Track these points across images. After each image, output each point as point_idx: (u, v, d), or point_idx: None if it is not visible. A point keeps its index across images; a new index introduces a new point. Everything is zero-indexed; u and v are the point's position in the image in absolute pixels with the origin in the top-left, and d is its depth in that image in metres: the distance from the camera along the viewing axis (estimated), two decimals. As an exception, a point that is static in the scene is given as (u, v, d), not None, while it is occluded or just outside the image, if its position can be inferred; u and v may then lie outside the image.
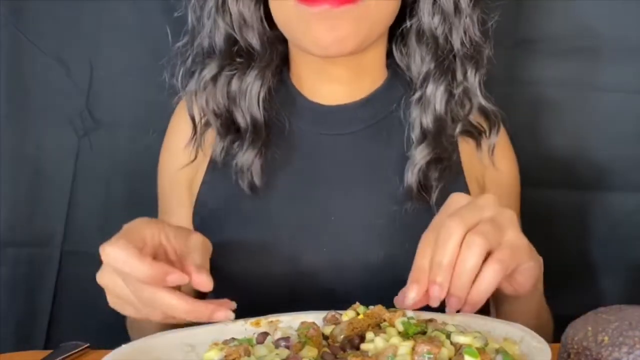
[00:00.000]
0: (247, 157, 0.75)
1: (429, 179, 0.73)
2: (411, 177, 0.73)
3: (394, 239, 0.73)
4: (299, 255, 0.73)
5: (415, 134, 0.75)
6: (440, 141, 0.74)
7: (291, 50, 0.78)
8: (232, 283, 0.73)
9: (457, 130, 0.76)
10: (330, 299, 0.61)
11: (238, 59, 0.76)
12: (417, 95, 0.75)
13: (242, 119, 0.76)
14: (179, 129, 0.82)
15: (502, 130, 0.80)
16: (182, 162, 0.80)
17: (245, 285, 0.73)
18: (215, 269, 0.74)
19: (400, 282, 0.71)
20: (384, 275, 0.72)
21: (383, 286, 0.71)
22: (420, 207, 0.73)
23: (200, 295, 0.70)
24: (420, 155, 0.73)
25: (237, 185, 0.75)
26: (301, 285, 0.73)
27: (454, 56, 0.75)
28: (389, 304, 0.58)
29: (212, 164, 0.78)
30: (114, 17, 0.95)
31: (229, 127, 0.76)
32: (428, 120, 0.74)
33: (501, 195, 0.76)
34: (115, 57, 0.96)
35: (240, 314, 0.59)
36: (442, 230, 0.55)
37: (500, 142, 0.80)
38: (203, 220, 0.78)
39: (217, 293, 0.75)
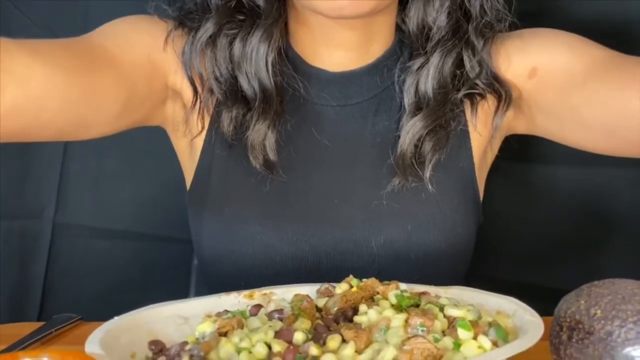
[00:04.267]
0: (258, 131, 0.69)
1: (422, 152, 0.69)
2: (403, 149, 0.69)
3: (394, 220, 0.71)
4: (304, 239, 0.71)
5: (409, 103, 0.70)
6: (442, 111, 0.69)
7: (293, 10, 0.72)
8: (233, 263, 0.72)
9: (461, 94, 0.70)
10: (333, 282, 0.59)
11: (239, 17, 0.69)
12: (421, 61, 0.70)
13: (248, 86, 0.69)
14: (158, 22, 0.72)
15: (506, 35, 0.72)
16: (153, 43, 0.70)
17: (247, 266, 0.71)
18: (217, 248, 0.73)
19: (399, 262, 0.70)
20: (385, 257, 0.71)
21: (385, 268, 0.70)
22: (416, 184, 0.70)
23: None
24: (417, 126, 0.69)
25: (244, 160, 0.70)
26: (304, 269, 0.71)
27: (470, 23, 0.69)
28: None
29: (213, 131, 0.72)
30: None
31: (235, 95, 0.70)
32: (428, 88, 0.69)
33: (571, 73, 0.67)
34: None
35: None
36: None
37: (512, 46, 0.72)
38: (203, 192, 0.74)
39: (218, 273, 0.74)
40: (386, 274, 0.59)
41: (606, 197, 0.93)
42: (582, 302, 0.49)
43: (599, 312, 0.48)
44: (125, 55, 0.66)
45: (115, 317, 0.54)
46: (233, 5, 0.69)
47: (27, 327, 0.68)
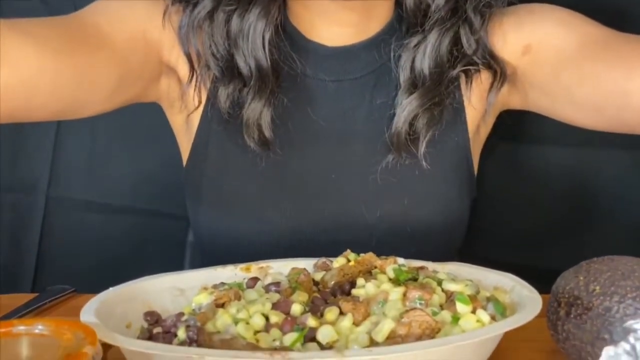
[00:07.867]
0: (254, 109, 0.68)
1: (416, 129, 0.69)
2: (398, 127, 0.69)
3: (390, 195, 0.71)
4: (302, 214, 0.71)
5: (405, 79, 0.70)
6: (438, 90, 0.69)
7: None
8: (231, 238, 0.72)
9: (457, 71, 0.70)
10: (330, 256, 0.59)
11: None
12: (418, 38, 0.69)
13: (244, 64, 0.68)
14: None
15: (503, 11, 0.71)
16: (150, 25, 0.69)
17: (245, 241, 0.71)
18: (215, 223, 0.72)
19: (396, 235, 0.70)
20: (381, 231, 0.71)
21: (381, 241, 0.70)
22: (410, 160, 0.70)
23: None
24: (413, 104, 0.68)
25: (240, 137, 0.69)
26: (302, 244, 0.70)
27: (469, 0, 0.68)
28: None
29: (210, 106, 0.72)
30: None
31: (232, 71, 0.69)
32: (424, 67, 0.69)
33: (564, 50, 0.66)
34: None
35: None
36: None
37: (507, 23, 0.71)
38: (200, 168, 0.73)
39: (215, 248, 0.74)
40: (383, 248, 0.59)
41: (599, 178, 0.92)
42: (581, 278, 0.49)
43: (597, 288, 0.48)
44: (118, 32, 0.65)
45: (110, 289, 0.53)
46: None
47: (20, 298, 0.67)
